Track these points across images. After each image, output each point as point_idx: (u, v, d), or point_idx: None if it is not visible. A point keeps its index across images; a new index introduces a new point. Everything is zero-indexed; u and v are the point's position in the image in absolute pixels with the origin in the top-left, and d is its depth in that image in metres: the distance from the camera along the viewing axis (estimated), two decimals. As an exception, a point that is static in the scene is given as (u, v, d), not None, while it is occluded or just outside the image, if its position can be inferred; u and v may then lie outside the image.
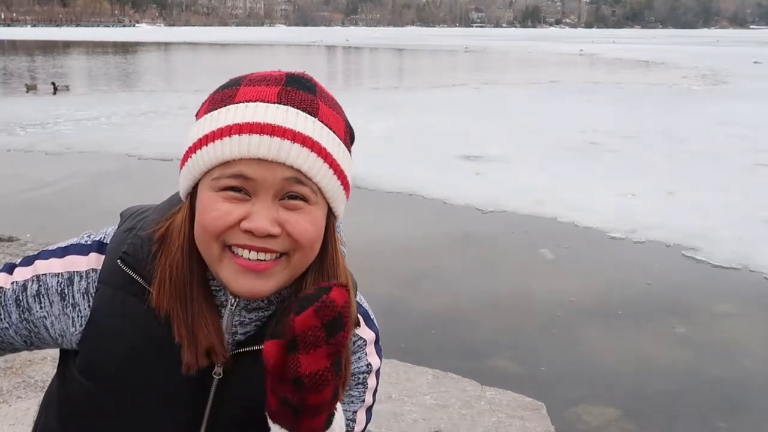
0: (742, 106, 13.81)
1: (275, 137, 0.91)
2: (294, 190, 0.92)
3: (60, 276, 1.04)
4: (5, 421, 1.62)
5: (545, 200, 6.45)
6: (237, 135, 0.91)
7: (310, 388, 0.89)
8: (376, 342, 1.13)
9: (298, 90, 0.95)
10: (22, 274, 1.06)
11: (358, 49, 52.22)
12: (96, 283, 1.03)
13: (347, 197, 1.00)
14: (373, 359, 1.11)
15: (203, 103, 1.00)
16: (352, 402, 1.08)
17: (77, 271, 1.04)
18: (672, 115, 12.42)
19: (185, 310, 0.98)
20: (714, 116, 12.17)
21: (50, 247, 1.08)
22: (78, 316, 1.03)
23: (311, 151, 0.92)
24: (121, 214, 1.09)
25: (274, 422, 0.95)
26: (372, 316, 1.12)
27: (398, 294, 4.42)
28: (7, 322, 1.05)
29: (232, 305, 1.00)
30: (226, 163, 0.91)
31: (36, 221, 5.79)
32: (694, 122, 11.53)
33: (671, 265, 4.96)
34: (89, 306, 1.03)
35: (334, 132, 0.96)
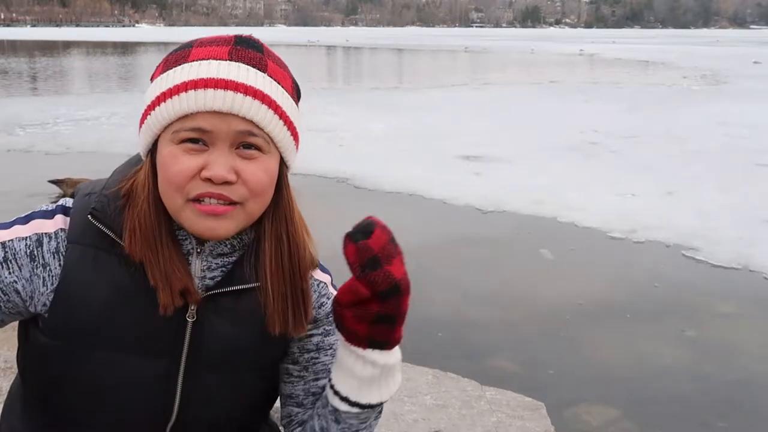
0: (742, 106, 13.80)
1: (229, 91, 0.98)
2: (248, 140, 1.00)
3: (28, 239, 1.06)
4: None
5: (545, 200, 6.45)
6: (193, 90, 0.98)
7: (405, 291, 1.03)
8: (332, 282, 1.22)
9: (247, 49, 1.02)
10: None
11: (358, 49, 52.22)
12: (65, 243, 1.06)
13: (297, 148, 1.08)
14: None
15: (157, 67, 1.06)
16: (333, 333, 1.17)
17: (45, 233, 1.06)
18: (672, 115, 12.42)
19: (156, 255, 1.03)
20: (714, 116, 12.17)
21: (8, 221, 1.09)
22: (49, 275, 1.05)
23: (262, 103, 1.00)
24: (76, 190, 1.13)
25: (368, 347, 1.06)
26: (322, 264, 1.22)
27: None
28: None
29: (198, 251, 1.07)
30: (183, 117, 0.99)
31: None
32: (694, 122, 11.53)
33: (671, 265, 4.96)
34: (60, 265, 1.05)
35: (282, 86, 1.03)
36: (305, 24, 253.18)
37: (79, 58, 37.35)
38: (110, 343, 1.05)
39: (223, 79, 0.98)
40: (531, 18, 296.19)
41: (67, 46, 53.08)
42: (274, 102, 1.01)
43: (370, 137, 9.99)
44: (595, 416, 3.00)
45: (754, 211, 6.10)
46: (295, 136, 1.06)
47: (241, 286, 1.08)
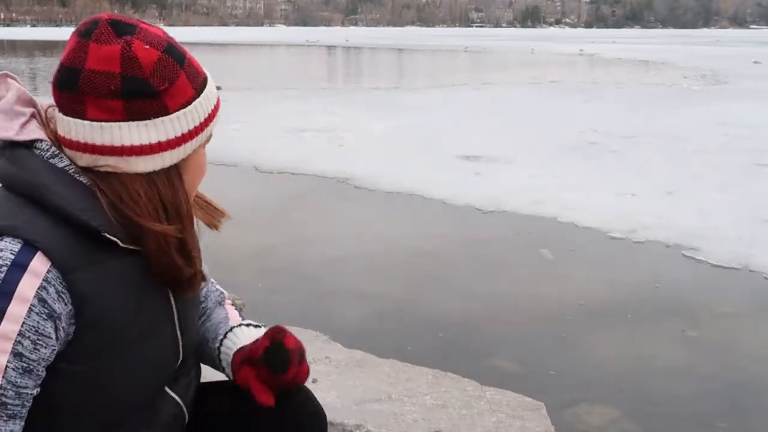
0: (742, 106, 13.80)
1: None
2: None
3: (32, 309, 1.00)
4: None
5: (545, 200, 6.45)
6: (217, 114, 1.22)
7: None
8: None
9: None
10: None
11: (358, 49, 52.21)
12: (60, 279, 1.02)
13: None
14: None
15: (176, 75, 1.11)
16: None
17: (39, 287, 1.00)
18: (672, 115, 12.41)
19: (192, 232, 1.25)
20: (714, 116, 12.16)
21: None
22: (66, 316, 1.03)
23: None
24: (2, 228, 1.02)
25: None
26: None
27: (397, 294, 4.42)
28: (34, 390, 1.03)
29: None
30: None
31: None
32: (694, 122, 11.53)
33: (671, 265, 4.96)
34: (69, 301, 1.03)
35: None
36: (305, 24, 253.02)
37: (79, 58, 37.24)
38: (140, 337, 1.13)
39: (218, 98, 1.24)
40: (531, 18, 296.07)
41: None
42: None
43: (370, 137, 9.99)
44: (595, 416, 3.00)
45: (754, 211, 6.09)
46: None
47: None
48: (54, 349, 1.03)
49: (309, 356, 2.85)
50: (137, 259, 1.11)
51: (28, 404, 1.02)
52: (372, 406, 2.50)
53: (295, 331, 3.15)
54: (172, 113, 1.10)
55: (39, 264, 1.00)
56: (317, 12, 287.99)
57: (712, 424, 2.97)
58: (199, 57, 1.19)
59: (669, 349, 3.69)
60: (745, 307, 4.27)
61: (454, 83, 20.28)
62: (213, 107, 1.19)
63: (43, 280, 1.00)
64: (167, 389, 1.26)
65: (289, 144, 9.24)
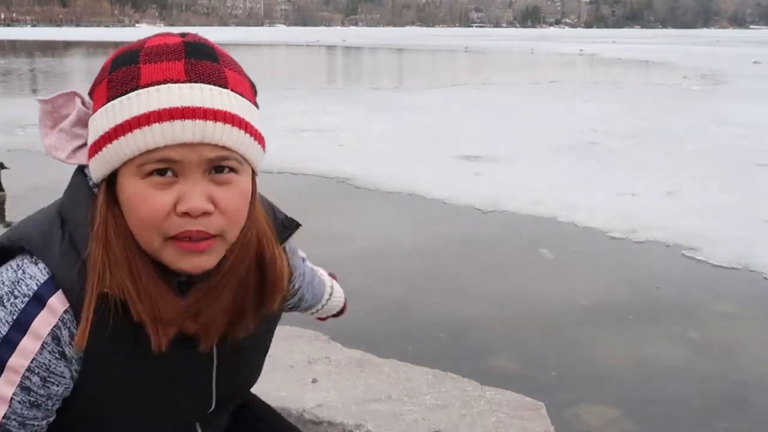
0: (742, 106, 13.80)
1: (198, 120, 0.91)
2: (221, 164, 0.95)
3: (45, 346, 0.96)
4: None
5: (545, 200, 6.45)
6: (158, 124, 0.91)
7: None
8: (299, 258, 1.31)
9: (201, 61, 0.95)
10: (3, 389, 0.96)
11: (357, 49, 52.22)
12: (74, 323, 0.97)
13: (264, 151, 1.03)
14: (299, 267, 1.31)
15: (98, 83, 0.99)
16: (300, 276, 1.31)
17: (54, 326, 0.96)
18: (672, 115, 12.42)
19: (137, 287, 0.96)
20: (714, 116, 12.17)
21: None
22: (71, 365, 0.99)
23: (233, 126, 0.94)
24: (31, 249, 0.98)
25: None
26: (293, 248, 1.26)
27: (397, 294, 4.42)
28: (43, 421, 1.00)
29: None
30: (149, 150, 0.92)
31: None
32: (694, 122, 11.53)
33: (671, 265, 4.96)
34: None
35: (245, 98, 0.98)
36: (305, 24, 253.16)
37: (79, 58, 37.36)
38: (150, 386, 1.05)
39: (189, 108, 0.91)
40: (531, 18, 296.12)
41: (68, 46, 53.09)
42: (243, 121, 0.96)
43: (370, 137, 9.99)
44: (595, 416, 3.00)
45: (754, 211, 6.09)
46: (262, 144, 1.01)
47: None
48: (68, 387, 0.99)
49: (309, 356, 2.86)
50: None
51: (40, 430, 1.00)
52: (372, 406, 2.50)
53: (295, 331, 3.15)
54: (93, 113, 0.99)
55: (58, 303, 0.96)
56: (317, 12, 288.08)
57: (712, 424, 2.97)
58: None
59: (669, 349, 3.69)
60: (745, 307, 4.28)
61: (454, 83, 20.28)
62: (141, 116, 0.92)
63: (59, 320, 0.96)
64: (197, 426, 1.18)
65: (288, 144, 9.24)
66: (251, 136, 0.97)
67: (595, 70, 28.32)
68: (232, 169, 0.96)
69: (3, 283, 0.97)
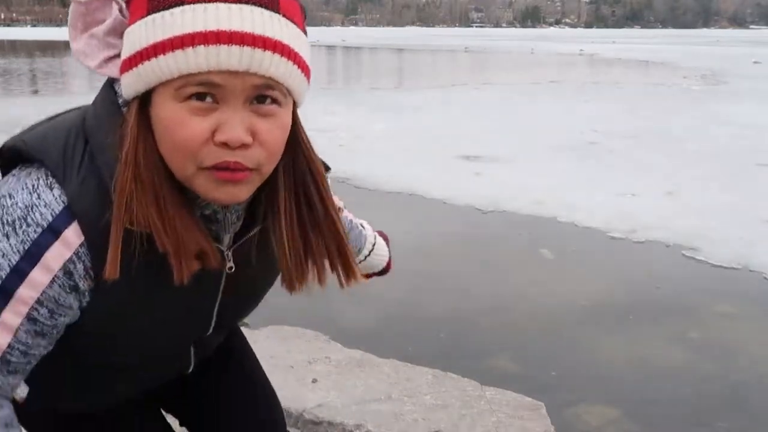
0: (742, 106, 13.80)
1: (246, 47, 0.86)
2: (264, 93, 0.90)
3: (56, 279, 0.94)
4: (5, 421, 1.63)
5: (545, 200, 6.45)
6: (203, 46, 0.85)
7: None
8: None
9: None
10: (11, 319, 0.94)
11: (357, 49, 52.23)
12: (89, 256, 0.94)
13: (309, 83, 1.01)
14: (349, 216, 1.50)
15: None
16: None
17: (68, 260, 0.94)
18: (672, 115, 12.42)
19: (163, 218, 0.92)
20: (714, 116, 12.17)
21: (8, 264, 0.91)
22: (83, 297, 0.98)
23: (282, 56, 0.90)
24: (32, 159, 0.95)
25: None
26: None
27: (397, 294, 4.42)
28: (45, 350, 1.00)
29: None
30: (191, 74, 0.86)
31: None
32: (694, 122, 11.53)
33: (671, 265, 4.96)
34: (92, 278, 0.96)
35: (295, 23, 0.93)
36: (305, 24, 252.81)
37: (79, 58, 37.26)
38: (158, 313, 1.05)
39: (238, 32, 0.85)
40: (531, 18, 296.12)
41: (68, 46, 52.93)
42: (293, 51, 0.92)
43: (370, 137, 9.99)
44: (595, 416, 3.00)
45: (754, 211, 6.09)
46: (308, 75, 0.98)
47: (258, 227, 1.06)
48: (74, 317, 0.99)
49: (309, 356, 2.86)
50: None
51: (35, 361, 0.99)
52: (372, 406, 2.50)
53: (295, 331, 3.16)
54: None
55: (73, 235, 0.93)
56: (317, 12, 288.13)
57: (712, 424, 2.97)
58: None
59: (669, 349, 3.69)
60: (745, 307, 4.28)
61: (454, 83, 20.28)
62: (186, 36, 0.85)
63: (74, 254, 0.93)
64: (191, 348, 1.21)
65: (289, 144, 9.24)
66: (299, 67, 0.94)
67: (595, 70, 28.32)
68: (274, 101, 0.92)
69: (17, 205, 0.92)
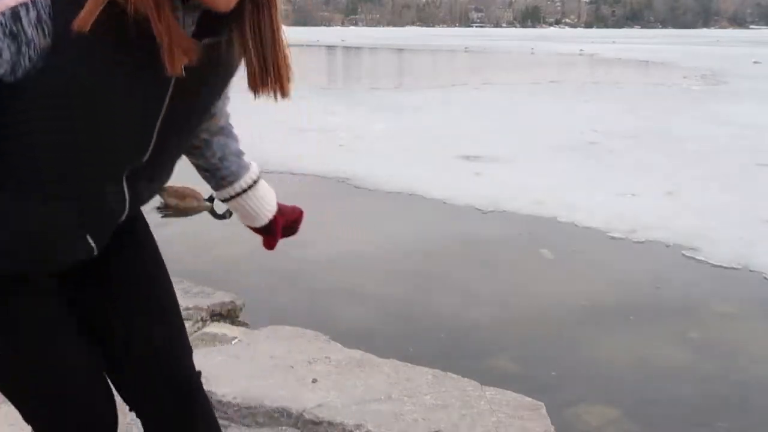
0: (742, 106, 13.80)
1: None
2: None
3: (1, 16, 0.93)
4: (5, 421, 1.63)
5: (545, 200, 6.45)
6: None
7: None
8: None
9: None
10: None
11: (357, 49, 52.22)
12: (51, 8, 0.95)
13: None
14: None
15: None
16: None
17: (21, 3, 0.94)
18: (672, 115, 12.42)
19: (159, 10, 0.98)
20: (714, 116, 12.17)
21: None
22: (34, 51, 0.96)
23: None
24: None
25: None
26: None
27: (397, 294, 4.42)
28: None
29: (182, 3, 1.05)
30: None
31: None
32: (694, 122, 11.53)
33: (671, 265, 4.96)
34: (47, 34, 0.95)
35: None
36: (305, 24, 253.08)
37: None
38: (106, 103, 1.04)
39: None
40: (531, 18, 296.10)
41: None
42: None
43: (370, 137, 9.99)
44: (595, 416, 3.00)
45: (754, 211, 6.09)
46: None
47: (220, 38, 1.12)
48: (5, 70, 0.96)
49: (309, 356, 2.86)
50: (139, 23, 1.01)
51: None
52: (372, 406, 2.50)
53: (295, 331, 3.15)
54: None
55: None
56: (317, 12, 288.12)
57: (712, 424, 2.97)
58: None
59: (669, 349, 3.69)
60: (746, 307, 4.28)
61: (454, 83, 20.28)
62: None
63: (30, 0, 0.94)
64: (124, 182, 1.18)
65: (288, 144, 9.25)
66: None
67: (595, 70, 28.32)
68: None
69: None
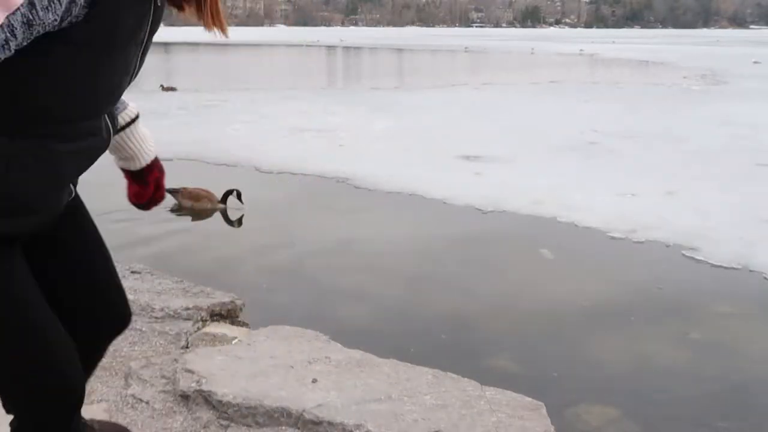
0: (742, 106, 13.80)
1: None
2: None
3: None
4: (5, 421, 1.63)
5: (545, 200, 6.45)
6: None
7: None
8: None
9: None
10: None
11: (357, 49, 52.21)
12: None
13: None
14: None
15: None
16: None
17: None
18: (672, 115, 12.42)
19: None
20: (714, 116, 12.17)
21: None
22: (82, 2, 1.17)
23: None
24: None
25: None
26: None
27: (397, 294, 4.42)
28: (18, 46, 1.14)
29: None
30: None
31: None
32: (694, 122, 11.53)
33: (671, 265, 4.96)
34: None
35: None
36: (305, 24, 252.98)
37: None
38: (122, 43, 1.29)
39: None
40: (531, 18, 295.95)
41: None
42: None
43: (370, 137, 9.99)
44: (595, 416, 3.00)
45: (754, 211, 6.09)
46: None
47: None
48: (56, 22, 1.14)
49: (309, 356, 2.85)
50: None
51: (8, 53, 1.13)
52: (372, 406, 2.50)
53: (295, 331, 3.15)
54: None
55: None
56: (317, 12, 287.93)
57: (712, 425, 2.97)
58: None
59: (668, 349, 3.69)
60: (746, 307, 4.28)
61: (454, 83, 20.28)
62: None
63: None
64: (105, 115, 1.41)
65: (289, 144, 9.24)
66: None
67: (595, 70, 28.32)
68: None
69: None
